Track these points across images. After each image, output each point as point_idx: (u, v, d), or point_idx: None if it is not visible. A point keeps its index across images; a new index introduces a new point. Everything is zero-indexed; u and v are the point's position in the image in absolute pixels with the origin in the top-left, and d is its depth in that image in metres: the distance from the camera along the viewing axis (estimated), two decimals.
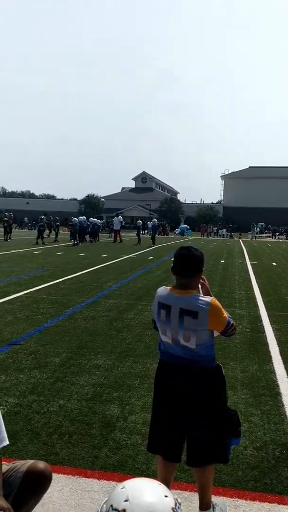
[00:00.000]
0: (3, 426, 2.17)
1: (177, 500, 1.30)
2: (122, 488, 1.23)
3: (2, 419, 2.17)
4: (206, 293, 2.61)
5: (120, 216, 31.03)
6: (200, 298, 2.43)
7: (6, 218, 28.23)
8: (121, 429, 3.56)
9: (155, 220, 33.31)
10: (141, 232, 30.80)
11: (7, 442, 2.17)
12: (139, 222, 31.52)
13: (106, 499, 1.25)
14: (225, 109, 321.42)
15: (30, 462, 2.24)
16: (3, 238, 26.79)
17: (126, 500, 1.18)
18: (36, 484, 2.18)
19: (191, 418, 2.46)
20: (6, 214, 29.03)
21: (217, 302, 2.45)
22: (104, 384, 4.45)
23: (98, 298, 9.13)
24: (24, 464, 2.22)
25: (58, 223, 30.82)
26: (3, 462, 2.29)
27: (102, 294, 9.62)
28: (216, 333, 2.52)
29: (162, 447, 2.59)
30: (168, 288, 2.57)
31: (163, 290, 2.59)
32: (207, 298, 2.44)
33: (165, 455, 2.60)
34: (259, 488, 2.86)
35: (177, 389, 2.50)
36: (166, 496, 1.22)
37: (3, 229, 28.58)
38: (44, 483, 2.20)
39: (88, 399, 4.09)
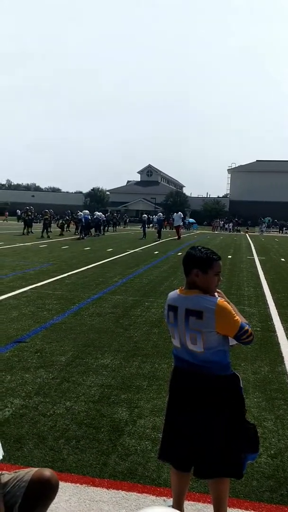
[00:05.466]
0: None
1: None
2: None
3: None
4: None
5: (180, 212, 30.29)
6: (206, 297, 2.29)
7: (29, 213, 28.11)
8: (130, 433, 3.44)
9: (161, 214, 33.11)
10: (146, 226, 30.57)
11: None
12: (145, 216, 31.33)
13: None
14: (231, 102, 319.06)
15: (34, 470, 2.11)
16: (22, 232, 26.77)
17: None
18: (42, 493, 2.05)
19: (200, 428, 2.32)
20: (28, 208, 28.63)
21: (225, 303, 2.28)
22: (112, 385, 4.32)
23: (104, 294, 9.00)
24: (28, 473, 2.09)
25: (68, 218, 30.69)
26: (4, 472, 2.17)
27: (108, 289, 9.49)
28: (232, 342, 2.37)
29: (174, 455, 2.46)
30: (178, 290, 2.47)
31: (173, 293, 2.51)
32: (214, 298, 2.29)
33: (176, 465, 2.47)
34: (276, 500, 2.72)
35: (187, 397, 2.37)
36: None
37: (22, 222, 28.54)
38: (50, 492, 2.08)
39: (95, 401, 3.96)
